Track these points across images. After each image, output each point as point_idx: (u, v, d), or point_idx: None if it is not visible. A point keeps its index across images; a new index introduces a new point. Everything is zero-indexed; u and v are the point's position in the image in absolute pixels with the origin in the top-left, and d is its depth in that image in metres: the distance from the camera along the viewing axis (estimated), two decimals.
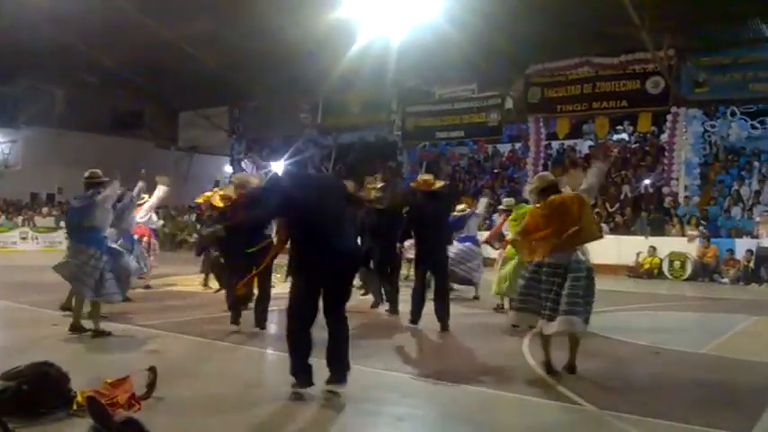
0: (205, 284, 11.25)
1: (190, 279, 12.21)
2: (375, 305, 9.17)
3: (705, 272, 15.39)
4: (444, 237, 8.14)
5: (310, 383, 4.63)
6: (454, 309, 8.05)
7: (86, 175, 6.83)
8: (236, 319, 7.21)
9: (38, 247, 20.61)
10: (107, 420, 3.73)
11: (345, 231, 4.94)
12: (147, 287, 10.51)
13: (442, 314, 7.59)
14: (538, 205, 5.61)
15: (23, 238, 21.29)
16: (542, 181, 5.69)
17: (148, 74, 22.63)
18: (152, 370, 4.56)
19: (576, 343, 5.48)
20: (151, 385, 4.49)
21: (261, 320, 7.17)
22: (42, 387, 4.14)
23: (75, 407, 4.10)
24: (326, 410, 4.45)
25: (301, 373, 4.64)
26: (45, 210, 23.87)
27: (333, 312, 4.76)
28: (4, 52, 19.96)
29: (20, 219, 22.30)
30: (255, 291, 7.20)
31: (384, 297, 9.11)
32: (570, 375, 5.38)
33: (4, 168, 24.46)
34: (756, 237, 15.20)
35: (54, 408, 4.12)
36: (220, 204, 7.85)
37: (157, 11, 17.38)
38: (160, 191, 10.00)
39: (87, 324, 6.67)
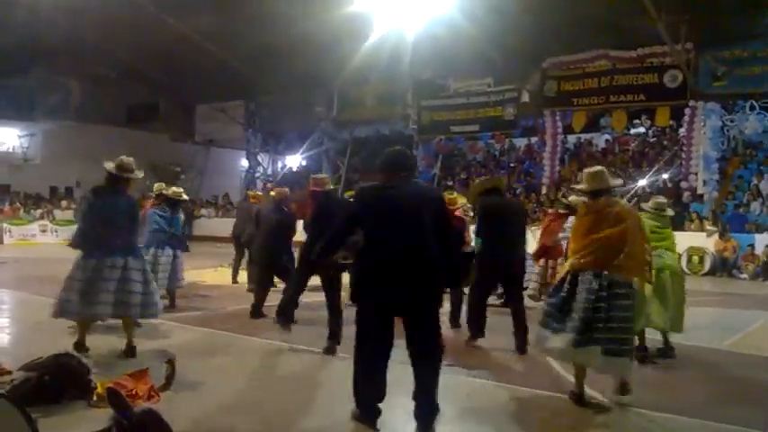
0: (234, 281, 11.05)
1: (211, 272, 12.25)
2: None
3: (724, 267, 15.24)
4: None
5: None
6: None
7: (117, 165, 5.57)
8: (287, 324, 6.24)
9: (57, 239, 20.77)
10: (127, 411, 3.77)
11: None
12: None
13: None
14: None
15: (43, 231, 21.58)
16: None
17: (164, 67, 22.76)
18: (170, 362, 4.62)
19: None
20: (170, 377, 4.55)
21: (336, 335, 6.00)
22: (63, 378, 4.22)
23: (95, 398, 4.17)
24: (342, 401, 4.47)
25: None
26: (64, 203, 24.11)
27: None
28: (20, 45, 20.09)
29: (38, 212, 22.57)
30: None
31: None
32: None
33: (23, 162, 24.69)
34: None
35: (75, 399, 4.19)
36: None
37: (173, 4, 17.46)
38: None
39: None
